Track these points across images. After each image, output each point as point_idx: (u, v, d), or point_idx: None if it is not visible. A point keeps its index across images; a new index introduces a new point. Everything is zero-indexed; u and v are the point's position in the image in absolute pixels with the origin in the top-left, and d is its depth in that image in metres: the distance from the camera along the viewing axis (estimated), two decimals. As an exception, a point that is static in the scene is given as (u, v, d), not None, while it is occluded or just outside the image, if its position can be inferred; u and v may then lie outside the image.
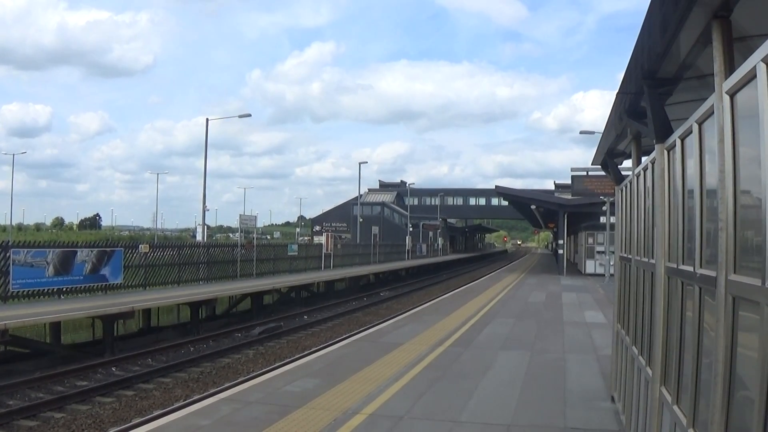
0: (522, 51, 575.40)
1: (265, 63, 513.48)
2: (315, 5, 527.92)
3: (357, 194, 65.35)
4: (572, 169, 43.40)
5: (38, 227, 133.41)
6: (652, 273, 5.33)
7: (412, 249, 60.78)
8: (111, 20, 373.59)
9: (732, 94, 3.04)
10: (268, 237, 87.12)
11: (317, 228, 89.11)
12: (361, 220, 56.31)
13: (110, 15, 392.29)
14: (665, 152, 4.88)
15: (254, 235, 35.27)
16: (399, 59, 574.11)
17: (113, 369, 14.78)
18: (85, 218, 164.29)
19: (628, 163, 8.45)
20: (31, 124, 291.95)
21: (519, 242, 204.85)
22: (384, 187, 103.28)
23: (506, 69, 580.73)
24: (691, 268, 3.89)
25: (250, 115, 66.97)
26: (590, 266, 42.78)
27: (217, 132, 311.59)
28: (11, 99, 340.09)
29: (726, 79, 3.14)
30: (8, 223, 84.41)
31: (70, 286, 18.98)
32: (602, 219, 37.57)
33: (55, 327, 15.91)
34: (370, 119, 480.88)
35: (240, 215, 33.83)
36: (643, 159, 6.58)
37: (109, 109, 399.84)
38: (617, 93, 6.24)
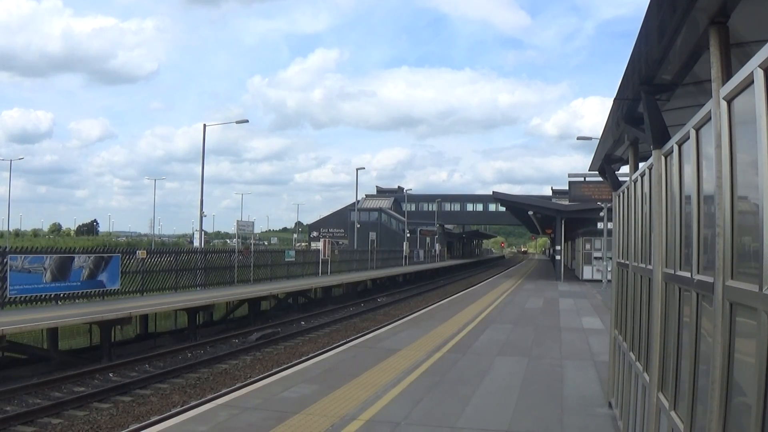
0: (524, 57, 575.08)
1: (266, 69, 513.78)
2: (314, 11, 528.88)
3: (355, 200, 65.37)
4: (570, 175, 43.62)
5: (36, 233, 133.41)
6: (649, 279, 5.33)
7: (410, 255, 60.74)
8: (117, 27, 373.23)
9: (729, 100, 3.05)
10: (266, 243, 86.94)
11: (315, 234, 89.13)
12: (358, 225, 56.22)
13: (116, 22, 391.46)
14: (662, 158, 4.90)
15: (251, 241, 35.15)
16: (400, 66, 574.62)
17: (110, 375, 14.75)
18: (82, 224, 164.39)
19: (625, 169, 8.47)
20: (32, 130, 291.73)
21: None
22: (381, 193, 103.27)
23: (508, 75, 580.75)
24: (688, 274, 3.90)
25: (247, 121, 67.15)
26: (588, 272, 42.83)
27: (218, 138, 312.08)
28: (12, 105, 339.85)
29: (723, 85, 3.15)
30: (6, 229, 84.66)
31: (67, 292, 18.94)
32: (599, 225, 37.61)
33: (53, 333, 15.85)
34: (370, 125, 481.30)
35: (237, 221, 33.78)
36: (641, 165, 6.60)
37: (110, 115, 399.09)
38: (615, 99, 6.25)
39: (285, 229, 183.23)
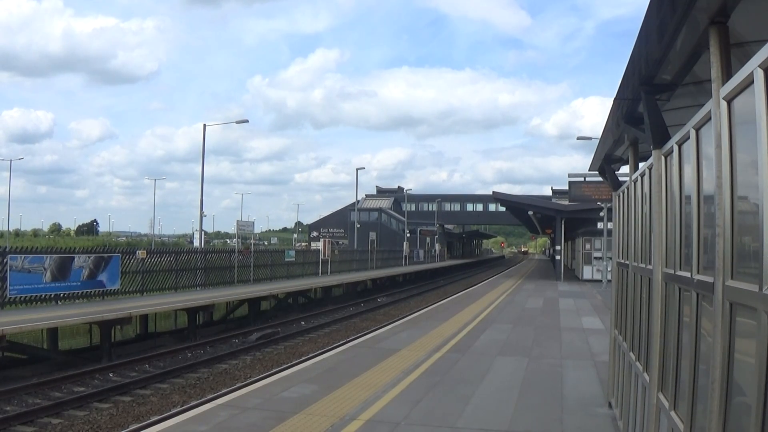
0: (524, 57, 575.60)
1: (266, 69, 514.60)
2: (315, 11, 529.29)
3: (355, 200, 65.31)
4: (570, 175, 43.55)
5: (36, 233, 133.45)
6: (649, 279, 5.33)
7: (410, 255, 60.74)
8: (117, 27, 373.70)
9: (729, 100, 3.05)
10: (266, 243, 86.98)
11: (315, 234, 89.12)
12: (358, 225, 56.18)
13: (117, 22, 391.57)
14: (662, 158, 4.89)
15: (251, 241, 35.14)
16: (401, 66, 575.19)
17: (110, 375, 14.76)
18: (82, 224, 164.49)
19: (625, 169, 8.46)
20: (33, 130, 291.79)
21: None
22: (381, 193, 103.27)
23: (508, 75, 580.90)
24: (688, 274, 3.90)
25: (247, 121, 67.25)
26: (587, 272, 42.82)
27: (218, 138, 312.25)
28: (13, 105, 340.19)
29: (723, 84, 3.15)
30: (6, 229, 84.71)
31: (67, 292, 18.95)
32: (599, 225, 37.59)
33: (53, 333, 15.86)
34: (371, 126, 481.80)
35: (237, 221, 33.79)
36: (641, 165, 6.59)
37: (111, 115, 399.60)
38: (615, 99, 6.25)
39: (285, 229, 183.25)
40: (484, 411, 8.74)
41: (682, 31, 3.61)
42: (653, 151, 5.09)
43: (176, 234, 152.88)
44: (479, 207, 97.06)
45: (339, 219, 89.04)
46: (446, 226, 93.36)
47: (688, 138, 3.97)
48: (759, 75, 2.55)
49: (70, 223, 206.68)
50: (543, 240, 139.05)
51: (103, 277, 20.23)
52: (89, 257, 19.95)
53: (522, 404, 9.16)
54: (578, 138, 34.77)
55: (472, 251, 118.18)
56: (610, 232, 27.33)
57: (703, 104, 3.58)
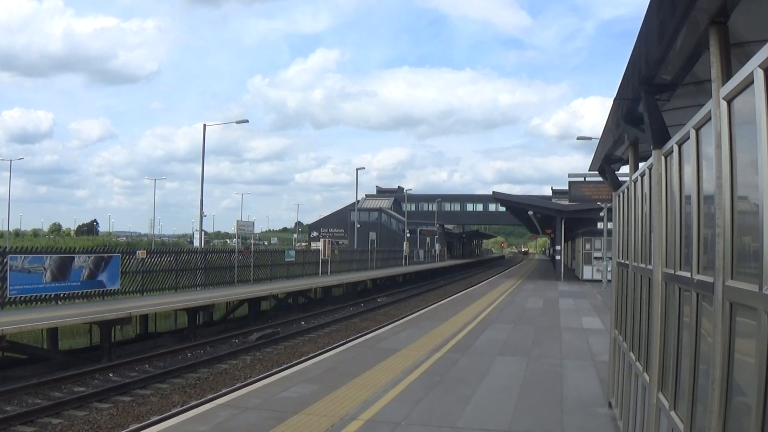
0: (525, 57, 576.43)
1: (266, 69, 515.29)
2: (315, 11, 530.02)
3: (355, 200, 65.29)
4: (570, 175, 43.56)
5: (36, 233, 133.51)
6: (649, 279, 5.33)
7: (410, 255, 60.72)
8: (118, 27, 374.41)
9: (729, 100, 3.04)
10: (266, 243, 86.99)
11: (315, 234, 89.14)
12: (358, 225, 56.15)
13: (117, 22, 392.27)
14: (662, 158, 4.89)
15: (251, 241, 35.14)
16: (401, 66, 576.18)
17: (110, 375, 14.76)
18: (82, 224, 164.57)
19: (625, 169, 8.46)
20: (33, 130, 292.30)
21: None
22: (381, 193, 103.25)
23: (509, 75, 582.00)
24: (688, 274, 3.90)
25: (247, 121, 67.24)
26: (588, 272, 42.82)
27: (218, 138, 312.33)
28: (13, 105, 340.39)
29: (723, 85, 3.15)
30: (6, 229, 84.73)
31: (67, 292, 18.95)
32: (600, 225, 37.59)
33: (53, 333, 15.85)
34: (371, 125, 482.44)
35: (237, 221, 33.77)
36: (641, 165, 6.59)
37: (111, 115, 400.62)
38: (615, 99, 6.24)
39: (285, 229, 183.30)
40: (484, 411, 8.75)
41: (682, 31, 3.60)
42: (653, 151, 5.08)
43: (176, 234, 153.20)
44: (479, 207, 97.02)
45: (339, 219, 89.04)
46: (446, 226, 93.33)
47: (688, 138, 3.97)
48: (759, 75, 2.54)
49: (70, 223, 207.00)
50: (543, 240, 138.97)
51: (103, 277, 20.23)
52: (89, 257, 19.96)
53: (522, 404, 9.16)
54: (578, 138, 34.82)
55: (472, 251, 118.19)
56: (610, 232, 27.34)
57: (703, 104, 3.58)
